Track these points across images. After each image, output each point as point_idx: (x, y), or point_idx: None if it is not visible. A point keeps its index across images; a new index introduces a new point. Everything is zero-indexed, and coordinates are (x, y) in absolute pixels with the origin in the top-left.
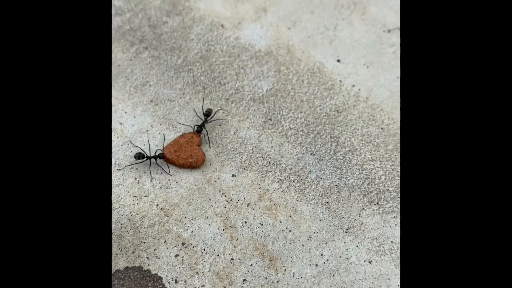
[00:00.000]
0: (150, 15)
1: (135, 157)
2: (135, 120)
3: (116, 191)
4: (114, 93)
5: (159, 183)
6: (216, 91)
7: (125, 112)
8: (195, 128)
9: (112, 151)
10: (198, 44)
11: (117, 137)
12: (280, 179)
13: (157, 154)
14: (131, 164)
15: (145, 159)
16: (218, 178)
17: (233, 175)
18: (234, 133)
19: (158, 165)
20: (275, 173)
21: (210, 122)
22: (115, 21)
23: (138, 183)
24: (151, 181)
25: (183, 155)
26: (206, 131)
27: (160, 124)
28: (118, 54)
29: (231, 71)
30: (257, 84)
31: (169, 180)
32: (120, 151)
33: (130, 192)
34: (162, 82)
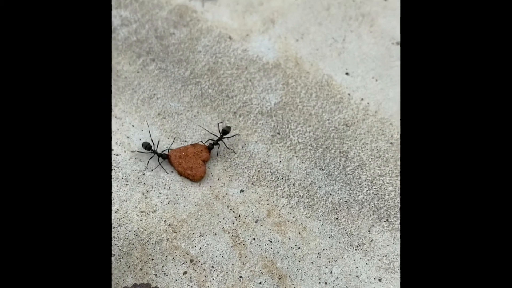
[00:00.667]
0: (157, 26)
1: (142, 145)
2: (143, 134)
3: (124, 206)
4: (121, 106)
5: (166, 198)
6: (223, 104)
7: (132, 126)
8: (208, 144)
9: (120, 165)
10: (205, 56)
11: (124, 151)
12: (289, 195)
13: (163, 152)
14: (136, 151)
15: (150, 151)
16: (226, 194)
17: (242, 190)
18: (242, 147)
19: (159, 162)
20: (284, 188)
21: (224, 139)
22: (122, 32)
23: (145, 198)
24: (159, 196)
25: (185, 164)
26: (219, 145)
27: (168, 138)
28: (125, 66)
29: (239, 84)
30: (265, 97)
31: (177, 195)
32: (128, 165)
33: (138, 208)
34: (169, 94)
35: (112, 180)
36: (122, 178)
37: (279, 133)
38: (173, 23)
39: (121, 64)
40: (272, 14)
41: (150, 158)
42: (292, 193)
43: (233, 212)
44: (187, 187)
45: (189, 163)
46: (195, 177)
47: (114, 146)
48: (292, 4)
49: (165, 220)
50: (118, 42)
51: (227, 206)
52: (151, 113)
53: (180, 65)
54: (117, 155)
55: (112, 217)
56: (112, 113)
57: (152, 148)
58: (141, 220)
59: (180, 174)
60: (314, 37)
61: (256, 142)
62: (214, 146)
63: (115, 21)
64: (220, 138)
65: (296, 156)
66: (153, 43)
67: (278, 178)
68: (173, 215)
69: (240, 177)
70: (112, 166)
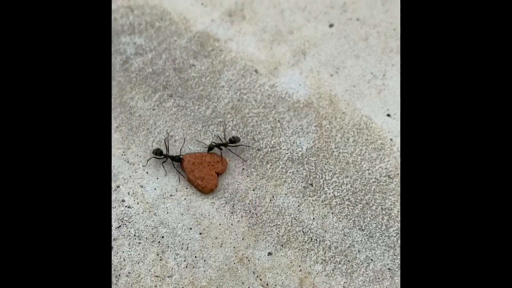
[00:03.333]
0: (175, 57)
1: (153, 152)
2: (158, 183)
3: (136, 269)
4: (134, 148)
5: (184, 260)
6: (249, 149)
7: (147, 173)
8: (210, 143)
9: (132, 219)
10: (229, 92)
11: (137, 203)
12: (324, 260)
13: (177, 156)
14: (150, 158)
15: (162, 157)
16: (252, 257)
17: (269, 253)
18: (270, 200)
19: (174, 167)
20: (318, 252)
21: (228, 148)
22: (136, 62)
23: (160, 260)
24: (176, 258)
25: (197, 173)
26: (222, 150)
27: (186, 188)
28: (139, 102)
29: (266, 125)
30: (296, 141)
31: (195, 257)
32: (141, 220)
33: (152, 271)
34: (189, 136)
35: (123, 237)
36: (135, 236)
37: (312, 185)
38: (193, 53)
39: (135, 100)
40: (303, 45)
41: (163, 163)
42: (327, 258)
43: (260, 279)
44: (207, 248)
45: (202, 173)
46: (205, 189)
47: (126, 196)
48: (325, 33)
49: (182, 287)
50: (131, 74)
51: (253, 272)
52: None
53: (200, 102)
54: (129, 207)
55: (123, 282)
56: (124, 157)
57: (164, 153)
58: (155, 287)
59: (190, 181)
60: (350, 71)
61: (286, 194)
62: (216, 148)
63: (128, 49)
64: (225, 145)
65: (332, 213)
66: (170, 76)
67: (311, 239)
68: (191, 281)
69: (268, 237)
70: (123, 221)
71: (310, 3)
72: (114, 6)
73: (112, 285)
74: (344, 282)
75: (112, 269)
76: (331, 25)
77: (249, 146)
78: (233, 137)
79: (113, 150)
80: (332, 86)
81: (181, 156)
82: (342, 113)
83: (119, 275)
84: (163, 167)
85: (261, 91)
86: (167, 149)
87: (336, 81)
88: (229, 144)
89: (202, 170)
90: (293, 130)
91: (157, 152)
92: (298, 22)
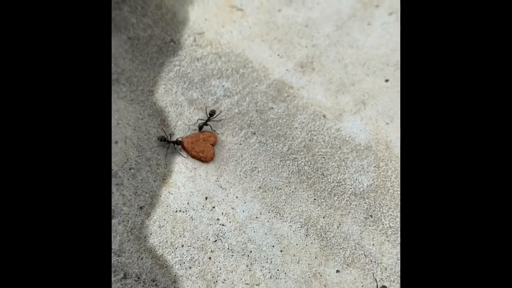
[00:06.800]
0: (257, 100)
1: (158, 139)
2: (245, 206)
3: (230, 277)
4: (225, 176)
5: (269, 272)
6: (319, 182)
7: (236, 197)
8: (199, 124)
9: (225, 235)
10: (301, 133)
11: (229, 222)
12: (381, 279)
13: (176, 139)
14: (157, 146)
15: (165, 142)
16: (324, 273)
17: (337, 271)
18: (337, 227)
19: (175, 150)
20: (377, 272)
21: (212, 120)
22: (224, 103)
23: (249, 270)
24: (262, 270)
25: (197, 148)
26: (210, 127)
27: (269, 212)
28: (228, 137)
29: (333, 163)
30: (358, 179)
31: (278, 270)
32: (233, 236)
33: (243, 280)
34: (269, 169)
35: (219, 250)
36: (228, 249)
37: (371, 216)
38: (271, 97)
39: (225, 135)
40: (363, 95)
41: (168, 148)
42: (384, 277)
43: None
44: (287, 263)
45: (201, 147)
46: (207, 159)
47: (220, 216)
48: (382, 86)
49: None
50: (221, 113)
51: (324, 285)
52: (252, 186)
53: (278, 140)
54: (223, 225)
55: (219, 286)
56: (218, 183)
57: (167, 138)
58: None
59: (193, 157)
60: None
61: (350, 223)
62: (204, 126)
63: (218, 91)
64: (208, 119)
65: (388, 241)
66: (253, 117)
67: (371, 261)
68: None
69: (336, 257)
70: (218, 236)
71: (369, 59)
72: (204, 52)
73: None
74: None
75: (211, 276)
76: (386, 80)
77: (221, 117)
78: (211, 110)
79: (208, 176)
80: (387, 133)
81: (180, 139)
82: (396, 157)
83: (216, 281)
84: (166, 153)
85: (328, 134)
86: (170, 136)
87: (391, 129)
88: (211, 118)
89: (199, 145)
90: (356, 169)
91: (162, 139)
92: (359, 76)
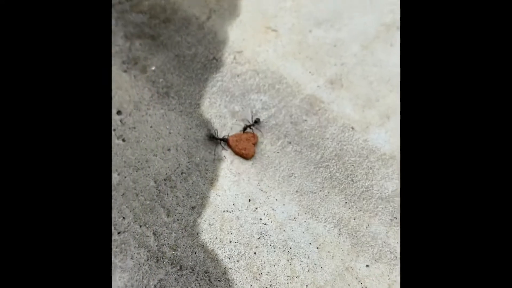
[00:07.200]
0: (292, 112)
1: (207, 135)
2: (284, 208)
3: (273, 270)
4: (266, 181)
5: (307, 266)
6: (349, 188)
7: (276, 200)
8: (244, 125)
9: (268, 233)
10: (332, 143)
11: (271, 221)
12: None
13: (223, 137)
14: (208, 139)
15: (214, 139)
16: (355, 267)
17: (367, 265)
18: (366, 227)
19: (222, 146)
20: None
21: (255, 127)
22: (263, 115)
23: (290, 264)
24: (300, 264)
25: (240, 146)
26: (253, 130)
27: (305, 213)
28: (267, 146)
29: (361, 171)
30: (384, 185)
31: (315, 264)
32: (274, 234)
33: (284, 272)
34: (304, 175)
35: (262, 246)
36: (270, 245)
37: (396, 218)
38: (305, 110)
39: (264, 144)
40: (387, 110)
41: (216, 145)
42: None
43: (361, 283)
44: (323, 258)
45: (243, 145)
46: (248, 155)
47: (262, 216)
48: None
49: (306, 285)
50: (259, 125)
51: (356, 278)
52: (290, 190)
53: (312, 149)
54: (265, 224)
55: (264, 278)
56: (259, 186)
57: (215, 136)
58: (287, 283)
59: (236, 153)
60: None
61: (377, 224)
62: (248, 128)
63: (257, 104)
64: (253, 124)
65: None
66: (289, 128)
67: (396, 258)
68: (312, 281)
69: (365, 254)
70: (261, 234)
71: (392, 77)
72: (243, 68)
73: (255, 280)
74: None
75: (256, 268)
76: None
77: (260, 130)
78: (257, 118)
79: (251, 181)
80: None
81: (226, 137)
82: None
83: (261, 273)
84: (214, 149)
85: (356, 144)
86: (217, 134)
87: None
88: (255, 124)
89: (243, 143)
90: (382, 176)
91: (211, 137)
92: (383, 92)
